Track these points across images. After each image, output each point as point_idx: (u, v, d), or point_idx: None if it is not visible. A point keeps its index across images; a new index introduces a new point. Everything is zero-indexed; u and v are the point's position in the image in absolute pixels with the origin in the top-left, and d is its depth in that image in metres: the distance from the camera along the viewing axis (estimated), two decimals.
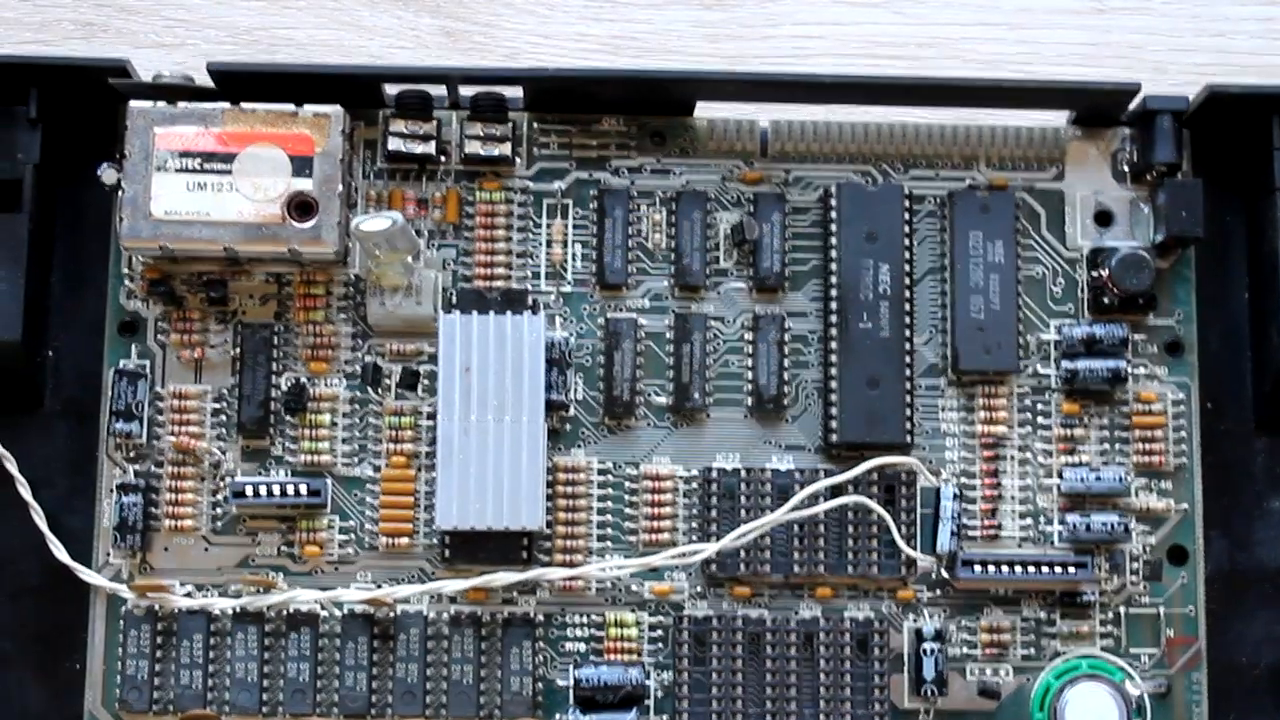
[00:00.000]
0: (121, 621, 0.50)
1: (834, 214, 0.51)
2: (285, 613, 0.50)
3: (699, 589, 0.51)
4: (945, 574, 0.51)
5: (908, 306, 0.51)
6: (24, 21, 0.58)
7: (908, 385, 0.51)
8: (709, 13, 0.59)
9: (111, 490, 0.50)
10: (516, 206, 0.52)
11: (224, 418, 0.51)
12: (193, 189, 0.48)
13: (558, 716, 0.50)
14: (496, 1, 0.59)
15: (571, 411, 0.51)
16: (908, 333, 0.51)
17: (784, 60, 0.58)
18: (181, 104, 0.49)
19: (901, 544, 0.50)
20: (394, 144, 0.51)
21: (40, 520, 0.50)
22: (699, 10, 0.59)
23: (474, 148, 0.51)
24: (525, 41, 0.58)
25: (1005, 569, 0.50)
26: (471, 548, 0.50)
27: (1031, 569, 0.50)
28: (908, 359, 0.51)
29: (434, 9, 0.58)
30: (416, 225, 0.51)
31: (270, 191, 0.49)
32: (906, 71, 0.57)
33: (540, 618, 0.50)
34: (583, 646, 0.50)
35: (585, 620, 0.51)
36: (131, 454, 0.51)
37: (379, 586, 0.50)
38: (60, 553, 0.49)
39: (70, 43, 0.57)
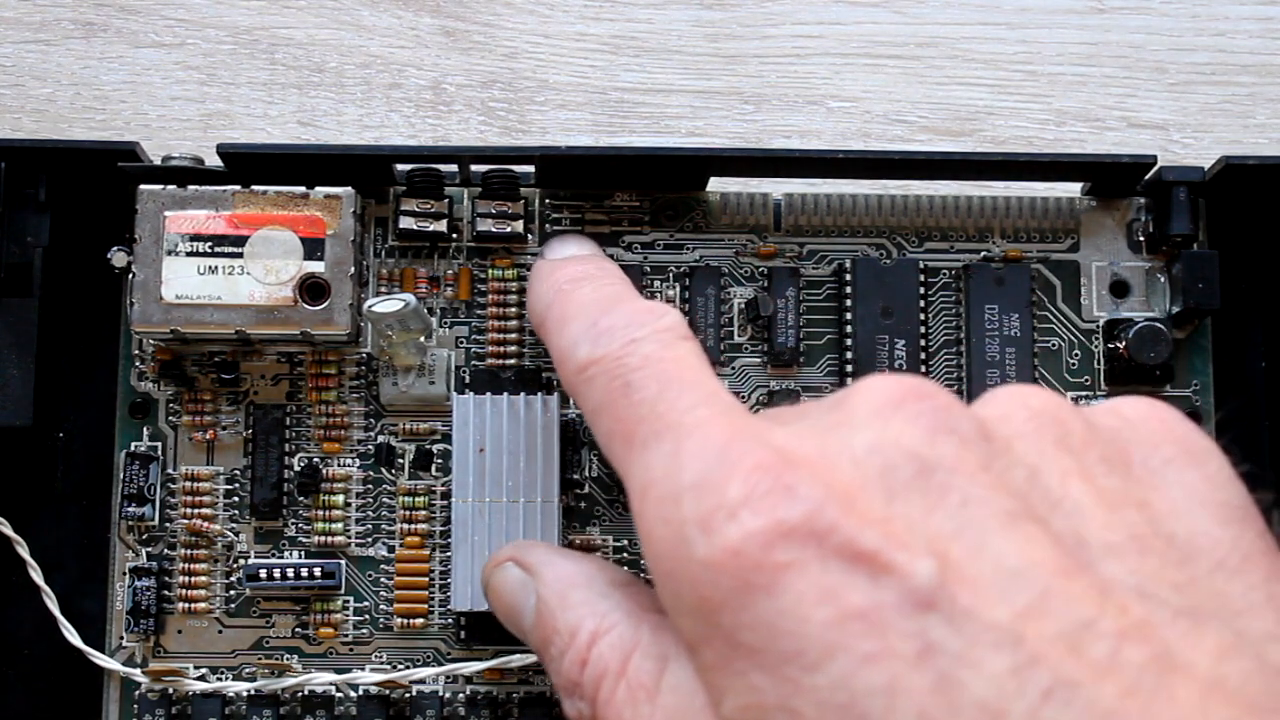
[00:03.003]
0: (135, 705, 0.50)
1: (849, 288, 0.51)
2: (300, 695, 0.50)
3: None
4: None
5: None
6: (24, 21, 0.58)
7: None
8: (709, 12, 0.59)
9: (124, 574, 0.50)
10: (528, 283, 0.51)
11: (236, 499, 0.51)
12: (204, 272, 0.48)
13: None
14: (496, 1, 0.59)
15: (586, 489, 0.51)
16: None
17: (783, 59, 0.58)
18: (192, 187, 0.48)
19: None
20: (405, 223, 0.50)
21: (52, 604, 0.49)
22: (699, 10, 0.59)
23: (486, 225, 0.51)
24: (525, 41, 0.58)
25: None
26: (487, 627, 0.50)
27: None
28: None
29: (434, 9, 0.58)
30: (428, 303, 0.51)
31: (282, 274, 0.48)
32: (906, 71, 0.57)
33: (556, 696, 0.50)
34: None
35: None
36: (144, 537, 0.50)
37: (394, 667, 0.50)
38: (73, 637, 0.49)
39: (70, 42, 0.57)
